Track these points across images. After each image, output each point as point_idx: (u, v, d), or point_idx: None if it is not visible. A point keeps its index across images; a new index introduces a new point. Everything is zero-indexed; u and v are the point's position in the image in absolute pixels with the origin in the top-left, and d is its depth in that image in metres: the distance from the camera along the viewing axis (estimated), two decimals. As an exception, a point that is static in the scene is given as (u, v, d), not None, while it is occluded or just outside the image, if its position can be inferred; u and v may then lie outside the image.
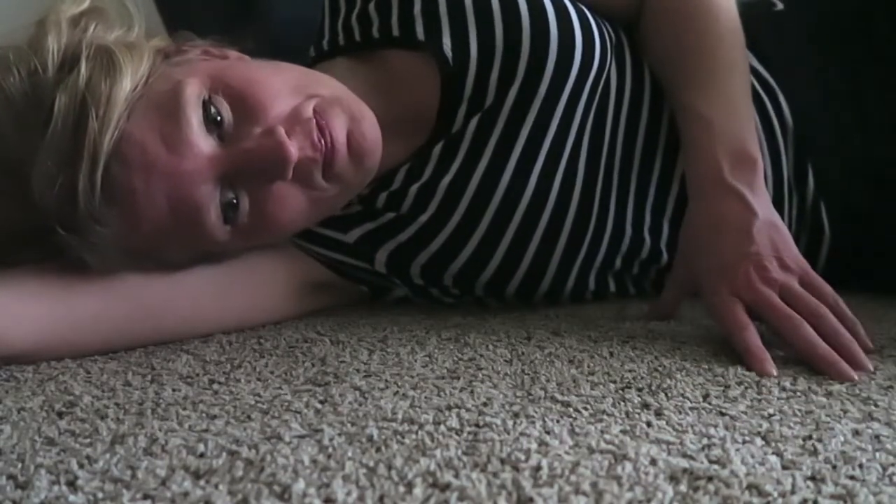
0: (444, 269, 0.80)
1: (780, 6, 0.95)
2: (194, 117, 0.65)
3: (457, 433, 0.48)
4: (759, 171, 0.73)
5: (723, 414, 0.50)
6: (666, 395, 0.54)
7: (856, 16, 0.91)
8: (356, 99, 0.74)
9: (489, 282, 0.80)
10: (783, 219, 0.77)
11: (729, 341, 0.63)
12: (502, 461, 0.43)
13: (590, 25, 0.79)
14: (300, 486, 0.41)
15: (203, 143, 0.65)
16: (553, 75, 0.77)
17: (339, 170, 0.70)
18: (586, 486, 0.40)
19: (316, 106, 0.69)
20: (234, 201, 0.68)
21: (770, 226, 0.69)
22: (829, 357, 0.58)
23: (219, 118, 0.66)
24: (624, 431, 0.47)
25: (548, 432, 0.47)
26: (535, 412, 0.51)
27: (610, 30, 0.82)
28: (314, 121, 0.69)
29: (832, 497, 0.39)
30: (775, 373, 0.58)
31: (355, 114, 0.72)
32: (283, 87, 0.70)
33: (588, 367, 0.61)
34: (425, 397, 0.55)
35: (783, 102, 0.86)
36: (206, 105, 0.66)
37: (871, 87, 0.87)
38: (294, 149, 0.66)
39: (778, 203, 0.83)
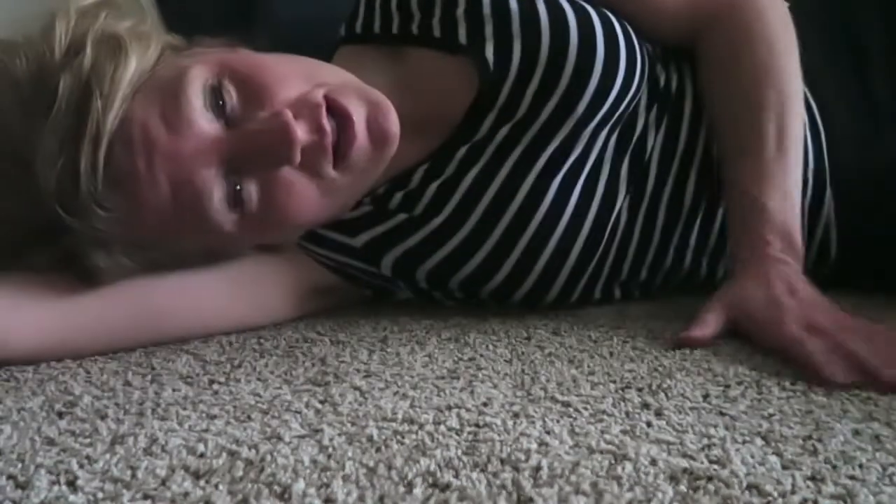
0: (452, 275, 0.79)
1: None
2: (196, 99, 0.65)
3: (457, 433, 0.48)
4: (801, 258, 0.72)
5: (723, 414, 0.50)
6: (666, 395, 0.54)
7: (858, 8, 0.92)
8: (367, 86, 0.73)
9: (495, 290, 0.79)
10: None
11: (789, 356, 0.60)
12: (502, 461, 0.43)
13: (633, 46, 0.77)
14: (300, 486, 0.41)
15: (206, 124, 0.65)
16: (593, 96, 0.75)
17: (356, 156, 0.69)
18: (586, 486, 0.40)
19: (327, 92, 0.69)
20: (238, 187, 0.67)
21: (816, 292, 0.69)
22: (875, 364, 0.56)
23: (221, 102, 0.66)
24: (624, 431, 0.47)
25: (548, 432, 0.47)
26: (535, 412, 0.51)
27: (647, 49, 0.81)
28: (324, 106, 0.68)
29: (832, 497, 0.39)
30: (842, 378, 0.55)
31: (371, 98, 0.71)
32: (290, 73, 0.69)
33: (588, 367, 0.61)
34: (425, 397, 0.55)
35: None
36: (210, 89, 0.66)
37: (880, 75, 0.88)
38: (301, 131, 0.66)
39: None
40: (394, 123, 0.71)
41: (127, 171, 0.63)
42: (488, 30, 0.75)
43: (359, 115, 0.69)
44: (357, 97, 0.70)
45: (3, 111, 0.63)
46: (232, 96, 0.66)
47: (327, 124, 0.68)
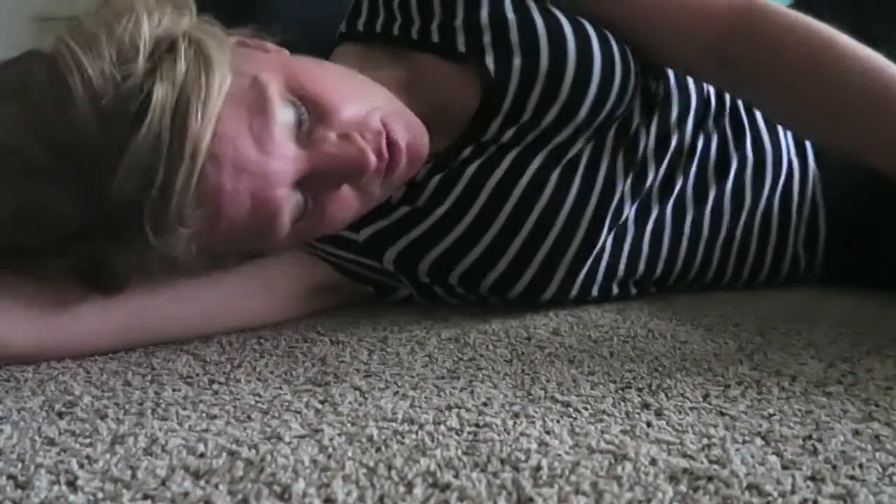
0: (453, 267, 0.79)
1: None
2: (282, 117, 0.63)
3: (457, 433, 0.48)
4: None
5: (723, 414, 0.50)
6: (666, 395, 0.54)
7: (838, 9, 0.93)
8: (405, 108, 0.73)
9: (495, 283, 0.80)
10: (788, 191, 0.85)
11: None
12: (502, 461, 0.43)
13: (626, 52, 0.78)
14: (300, 486, 0.41)
15: (289, 144, 0.64)
16: (593, 103, 0.76)
17: (398, 176, 0.71)
18: (586, 486, 0.40)
19: (382, 117, 0.69)
20: (306, 202, 0.67)
21: None
22: None
23: (297, 119, 0.65)
24: (624, 431, 0.47)
25: (548, 432, 0.47)
26: (535, 412, 0.51)
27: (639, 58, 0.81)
28: (384, 133, 0.68)
29: (832, 497, 0.39)
30: None
31: (411, 123, 0.72)
32: (350, 91, 0.70)
33: (588, 367, 0.61)
34: (425, 397, 0.55)
35: None
36: (287, 105, 0.64)
37: None
38: (372, 157, 0.66)
39: (776, 170, 0.88)
40: (426, 145, 0.73)
41: (213, 188, 0.60)
42: (486, 39, 0.76)
43: (404, 141, 0.70)
44: (401, 121, 0.71)
45: (70, 107, 0.57)
46: (304, 113, 0.65)
47: (386, 151, 0.68)
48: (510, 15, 0.77)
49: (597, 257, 0.81)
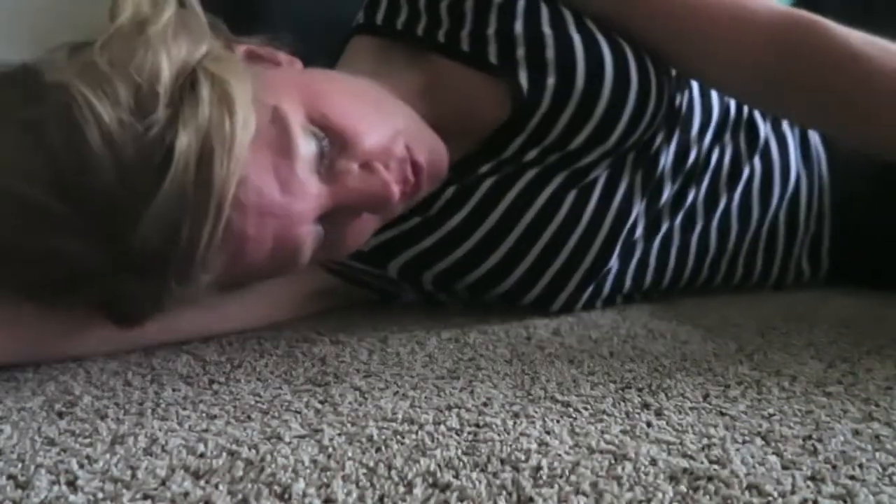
0: (460, 279, 0.79)
1: None
2: (305, 151, 0.60)
3: (457, 433, 0.48)
4: None
5: (723, 414, 0.50)
6: (666, 395, 0.54)
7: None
8: (427, 127, 0.71)
9: (501, 296, 0.79)
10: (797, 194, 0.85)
11: None
12: (502, 461, 0.43)
13: (661, 74, 0.76)
14: (300, 486, 0.41)
15: (314, 182, 0.60)
16: (625, 128, 0.74)
17: (417, 196, 0.69)
18: (586, 486, 0.40)
19: (406, 142, 0.66)
20: (327, 232, 0.64)
21: None
22: None
23: (321, 151, 0.61)
24: (624, 431, 0.47)
25: (548, 432, 0.47)
26: (535, 412, 0.51)
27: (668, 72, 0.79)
28: (409, 159, 0.66)
29: (832, 497, 0.39)
30: None
31: (433, 145, 0.70)
32: (371, 116, 0.66)
33: (588, 367, 0.61)
34: (425, 397, 0.55)
35: None
36: (309, 139, 0.60)
37: None
38: (396, 187, 0.64)
39: (784, 181, 0.87)
40: (447, 163, 0.71)
41: (237, 234, 0.57)
42: (520, 52, 0.73)
43: (427, 162, 0.67)
44: (424, 142, 0.68)
45: (88, 158, 0.53)
46: (326, 145, 0.62)
47: (410, 177, 0.66)
48: (547, 30, 0.73)
49: (605, 273, 0.80)
